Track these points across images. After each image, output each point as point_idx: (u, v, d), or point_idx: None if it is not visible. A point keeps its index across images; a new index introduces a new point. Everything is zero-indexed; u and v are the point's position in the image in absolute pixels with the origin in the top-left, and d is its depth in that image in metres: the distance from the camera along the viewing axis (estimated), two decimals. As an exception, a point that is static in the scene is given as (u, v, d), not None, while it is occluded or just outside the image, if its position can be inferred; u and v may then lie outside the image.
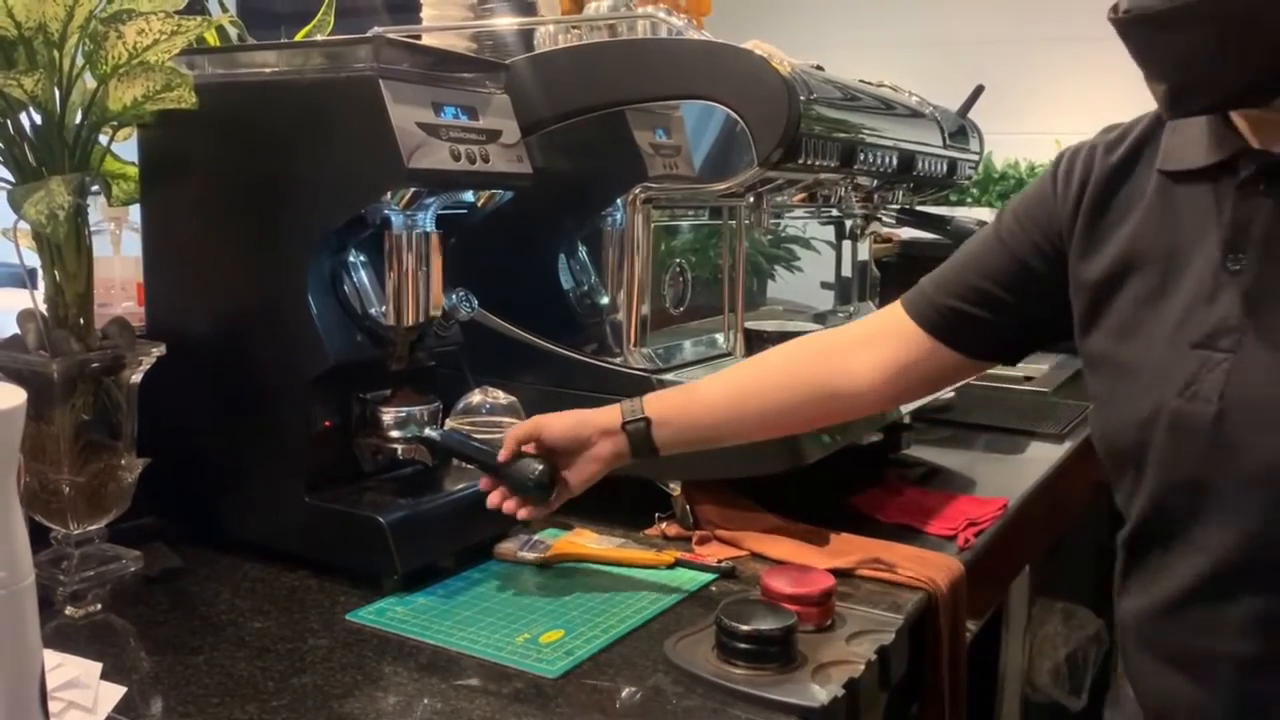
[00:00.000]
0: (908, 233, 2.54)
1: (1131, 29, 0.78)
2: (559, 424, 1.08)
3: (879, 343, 1.06)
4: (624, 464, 1.10)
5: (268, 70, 1.11)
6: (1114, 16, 0.78)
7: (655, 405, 1.09)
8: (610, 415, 1.09)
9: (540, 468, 1.05)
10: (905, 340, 1.04)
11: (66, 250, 1.04)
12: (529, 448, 1.08)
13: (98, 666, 0.85)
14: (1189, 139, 0.87)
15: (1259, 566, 0.81)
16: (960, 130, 1.77)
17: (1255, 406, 0.80)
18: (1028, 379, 2.20)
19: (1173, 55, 0.78)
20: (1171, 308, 0.86)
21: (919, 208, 1.93)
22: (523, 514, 1.08)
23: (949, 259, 1.06)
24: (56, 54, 0.99)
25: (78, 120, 1.04)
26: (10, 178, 1.04)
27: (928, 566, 1.15)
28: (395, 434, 1.15)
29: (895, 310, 1.07)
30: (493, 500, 1.09)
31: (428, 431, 1.15)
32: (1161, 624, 0.89)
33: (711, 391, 1.11)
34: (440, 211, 1.14)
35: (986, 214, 4.25)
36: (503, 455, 1.07)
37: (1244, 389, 0.80)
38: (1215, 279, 0.83)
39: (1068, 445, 1.70)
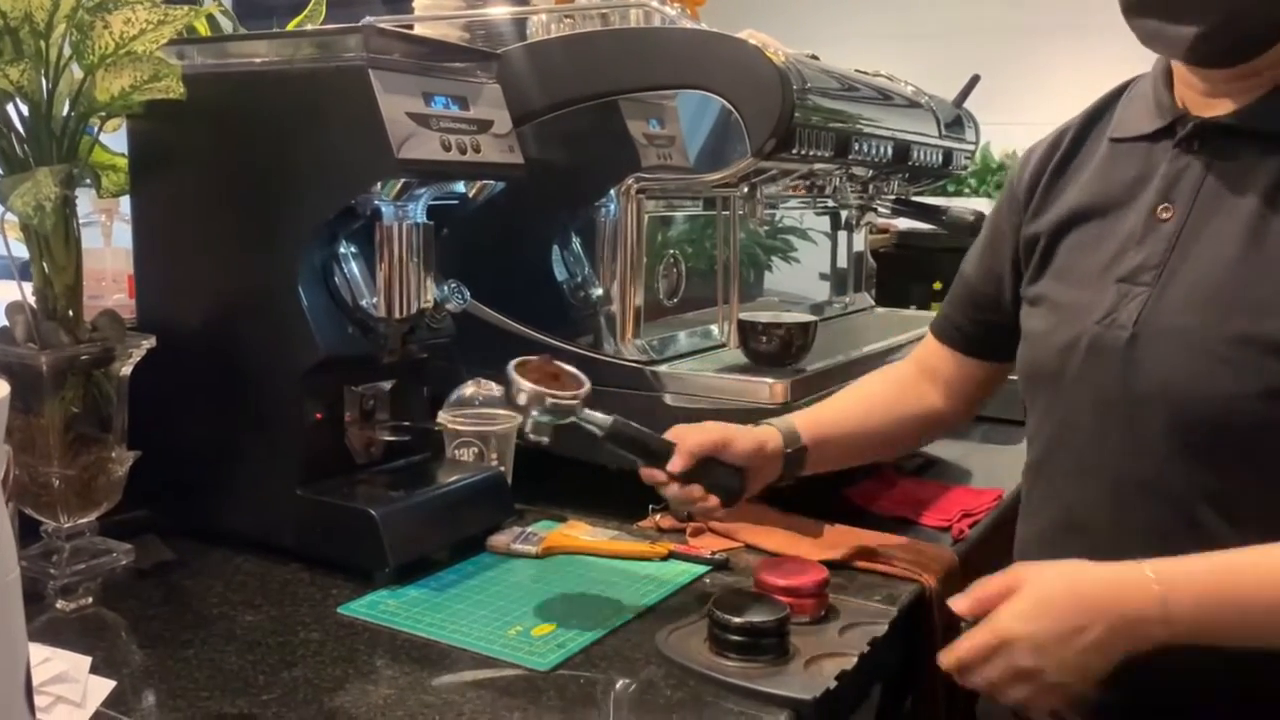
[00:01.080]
0: (904, 223, 2.54)
1: (1148, 6, 0.88)
2: (743, 443, 1.04)
3: (933, 372, 1.17)
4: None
5: (257, 60, 1.10)
6: None
7: (808, 433, 1.09)
8: (775, 439, 1.07)
9: (738, 473, 1.02)
10: (947, 365, 1.16)
11: (54, 242, 1.03)
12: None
13: (87, 660, 0.85)
14: (1138, 112, 0.98)
15: (1155, 481, 0.88)
16: (956, 120, 1.76)
17: (1162, 332, 0.88)
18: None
19: (1189, 10, 0.86)
20: (1105, 250, 0.95)
21: (915, 198, 1.92)
22: (720, 514, 1.06)
23: (957, 277, 1.16)
24: (43, 44, 0.99)
25: (65, 111, 1.03)
26: (-2, 169, 1.03)
27: (922, 558, 1.15)
28: (538, 417, 0.99)
29: (930, 340, 1.18)
30: (684, 493, 1.02)
31: (590, 415, 1.00)
32: (1063, 540, 0.94)
33: (842, 422, 1.14)
34: (432, 202, 1.14)
35: (984, 204, 4.26)
36: (678, 466, 1.00)
37: (1155, 317, 0.89)
38: (1146, 225, 0.93)
39: (1063, 436, 1.70)
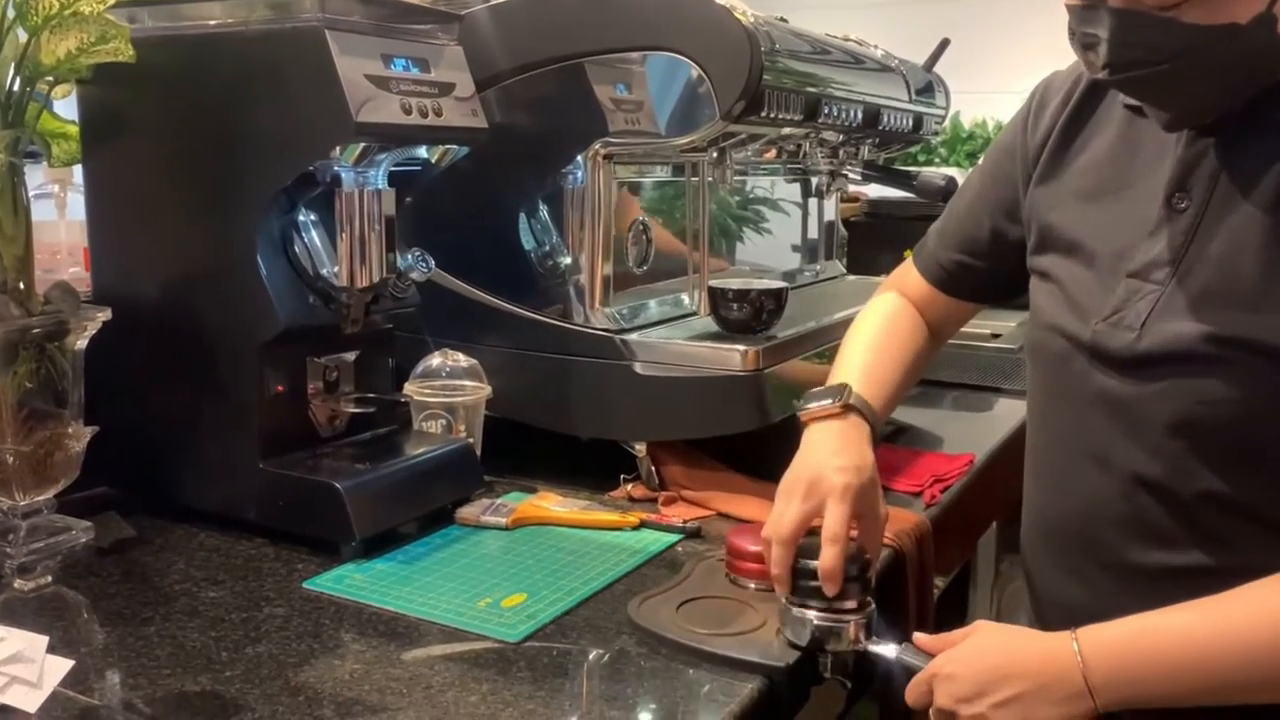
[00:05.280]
0: (875, 192, 2.52)
1: (1127, 86, 0.85)
2: (875, 492, 0.96)
3: (918, 304, 1.15)
4: None
5: (211, 23, 1.07)
6: (1105, 77, 0.83)
7: (881, 409, 1.03)
8: (869, 437, 1.00)
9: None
10: (925, 297, 1.14)
11: (3, 211, 1.00)
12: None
13: (44, 640, 0.82)
14: None
15: (1164, 483, 0.85)
16: (927, 85, 1.75)
17: (1170, 336, 0.84)
18: (995, 336, 2.19)
19: (1170, 99, 0.84)
20: (1115, 236, 0.90)
21: (885, 165, 1.91)
22: None
23: (948, 211, 1.12)
24: (-15, 5, 0.95)
25: (10, 75, 0.99)
26: (-59, 136, 1.00)
27: (894, 524, 1.14)
28: (830, 648, 0.89)
29: (912, 272, 1.15)
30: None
31: (875, 648, 0.89)
32: (1071, 535, 0.93)
33: (898, 387, 1.08)
34: (394, 168, 1.11)
35: (956, 173, 4.25)
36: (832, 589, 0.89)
37: (1164, 319, 0.84)
38: (1159, 215, 0.87)
39: (1035, 401, 1.70)
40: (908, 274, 1.16)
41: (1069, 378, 0.92)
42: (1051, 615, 0.96)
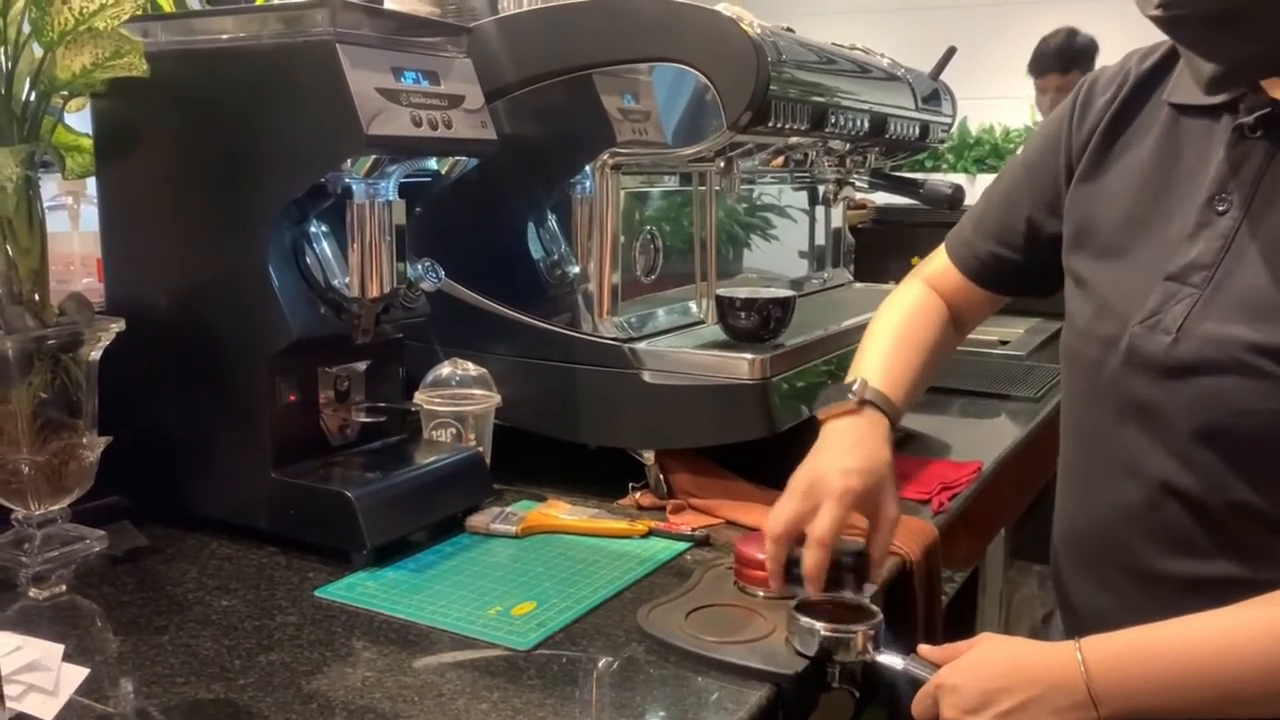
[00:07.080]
0: (882, 199, 2.53)
1: (1179, 25, 0.81)
2: (883, 493, 0.97)
3: (945, 294, 1.14)
4: None
5: (223, 37, 1.08)
6: (1158, 14, 0.79)
7: (903, 405, 1.03)
8: (887, 434, 1.00)
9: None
10: (955, 287, 1.13)
11: (18, 223, 1.01)
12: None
13: (59, 648, 0.83)
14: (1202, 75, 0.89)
15: (1191, 491, 0.84)
16: (933, 93, 1.75)
17: (1207, 341, 0.83)
18: (1003, 343, 2.20)
19: (1222, 47, 0.80)
20: (1155, 239, 0.89)
21: (892, 172, 1.91)
22: None
23: (983, 200, 1.12)
24: (1, 21, 0.96)
25: (26, 90, 1.01)
26: (-42, 150, 1.01)
27: (901, 531, 1.14)
28: (838, 658, 0.89)
29: (945, 261, 1.14)
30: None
31: (882, 658, 0.88)
32: (1100, 544, 0.93)
33: (918, 382, 1.09)
34: (404, 180, 1.12)
35: (961, 178, 4.26)
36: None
37: (1200, 324, 0.83)
38: (1200, 217, 0.86)
39: (1043, 408, 1.70)
40: (937, 262, 1.15)
41: (1102, 383, 0.91)
42: (1081, 625, 0.95)
